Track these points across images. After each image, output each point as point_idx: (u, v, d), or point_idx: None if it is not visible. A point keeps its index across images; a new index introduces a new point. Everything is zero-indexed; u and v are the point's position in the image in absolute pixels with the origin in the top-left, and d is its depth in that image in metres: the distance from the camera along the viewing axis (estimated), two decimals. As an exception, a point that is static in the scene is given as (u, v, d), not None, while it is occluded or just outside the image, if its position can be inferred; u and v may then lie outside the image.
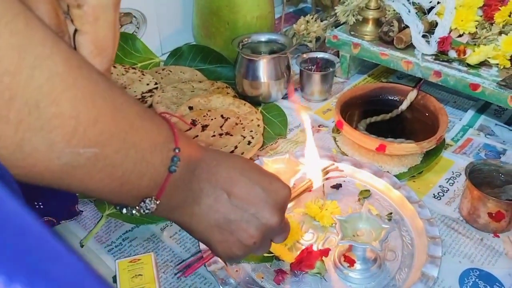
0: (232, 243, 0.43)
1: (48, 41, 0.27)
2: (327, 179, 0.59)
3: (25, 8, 0.26)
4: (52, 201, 0.59)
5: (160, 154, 0.36)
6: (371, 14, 0.86)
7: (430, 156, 0.70)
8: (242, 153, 0.71)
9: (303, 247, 0.57)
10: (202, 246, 0.56)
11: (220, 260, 0.54)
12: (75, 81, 0.28)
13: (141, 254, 0.56)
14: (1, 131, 0.26)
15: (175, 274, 0.56)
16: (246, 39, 0.87)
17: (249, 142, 0.74)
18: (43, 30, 0.27)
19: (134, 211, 0.38)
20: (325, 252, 0.56)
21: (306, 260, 0.55)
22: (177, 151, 0.37)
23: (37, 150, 0.28)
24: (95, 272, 0.19)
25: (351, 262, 0.55)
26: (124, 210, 0.39)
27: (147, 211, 0.38)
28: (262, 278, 0.55)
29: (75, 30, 0.34)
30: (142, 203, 0.37)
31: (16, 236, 0.17)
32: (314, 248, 0.56)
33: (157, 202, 0.38)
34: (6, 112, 0.25)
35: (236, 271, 0.55)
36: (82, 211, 0.63)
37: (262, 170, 0.45)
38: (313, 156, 0.57)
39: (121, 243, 0.60)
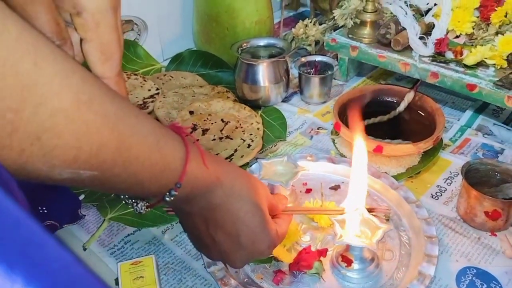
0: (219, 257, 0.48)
1: (57, 77, 0.27)
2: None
3: (37, 47, 0.26)
4: (55, 206, 0.60)
5: (159, 185, 0.37)
6: (368, 17, 0.87)
7: (428, 156, 0.71)
8: (242, 156, 0.72)
9: (302, 248, 0.57)
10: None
11: (220, 262, 0.55)
12: (81, 115, 0.28)
13: (142, 256, 0.57)
14: (5, 156, 0.26)
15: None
16: (245, 44, 0.89)
17: (249, 145, 0.75)
18: (53, 66, 0.27)
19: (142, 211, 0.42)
20: (323, 252, 0.57)
21: (304, 260, 0.55)
22: (177, 186, 0.37)
23: (40, 170, 0.28)
24: (83, 263, 0.21)
25: (349, 262, 0.55)
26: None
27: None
28: (261, 278, 0.56)
29: (81, 40, 0.35)
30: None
31: (11, 229, 0.18)
32: (313, 248, 0.57)
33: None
34: (9, 142, 0.26)
35: (236, 272, 0.56)
36: (85, 215, 0.65)
37: (261, 223, 0.45)
38: (360, 190, 0.56)
39: (123, 246, 0.61)
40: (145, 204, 0.40)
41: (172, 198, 0.37)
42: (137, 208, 0.40)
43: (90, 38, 0.34)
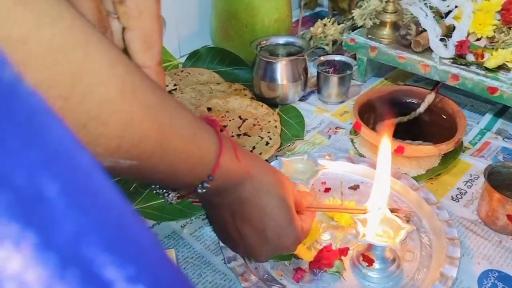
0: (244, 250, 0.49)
1: (104, 66, 0.27)
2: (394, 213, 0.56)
3: (88, 35, 0.26)
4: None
5: (192, 176, 0.37)
6: (388, 18, 0.86)
7: (448, 158, 0.70)
8: (260, 154, 0.72)
9: (321, 246, 0.57)
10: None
11: (239, 257, 0.55)
12: (125, 105, 0.29)
13: (162, 250, 0.57)
14: None
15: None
16: (264, 42, 0.88)
17: (267, 143, 0.75)
18: (101, 55, 0.27)
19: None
20: (344, 251, 0.56)
21: (325, 258, 0.55)
22: (210, 178, 0.38)
23: None
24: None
25: (370, 262, 0.55)
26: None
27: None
28: (281, 275, 0.55)
29: (123, 28, 0.35)
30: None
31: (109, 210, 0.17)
32: (333, 247, 0.57)
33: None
34: None
35: (256, 268, 0.56)
36: (104, 208, 0.64)
37: (288, 218, 0.46)
38: (383, 186, 0.56)
39: (142, 239, 0.61)
40: (176, 195, 0.40)
41: (204, 190, 0.37)
42: (168, 199, 0.40)
43: (133, 26, 0.34)
